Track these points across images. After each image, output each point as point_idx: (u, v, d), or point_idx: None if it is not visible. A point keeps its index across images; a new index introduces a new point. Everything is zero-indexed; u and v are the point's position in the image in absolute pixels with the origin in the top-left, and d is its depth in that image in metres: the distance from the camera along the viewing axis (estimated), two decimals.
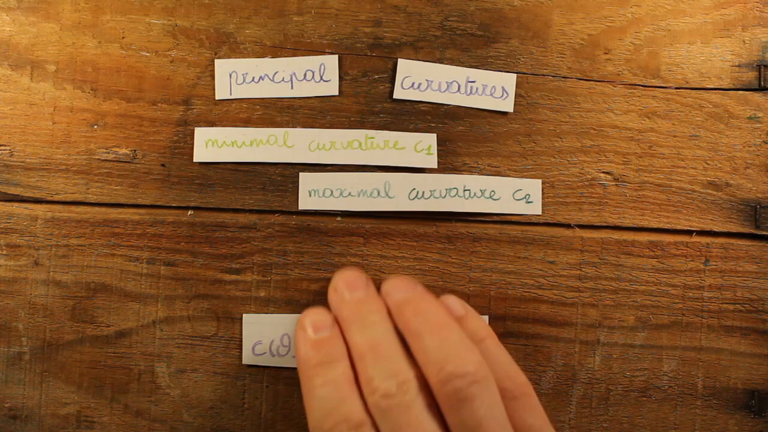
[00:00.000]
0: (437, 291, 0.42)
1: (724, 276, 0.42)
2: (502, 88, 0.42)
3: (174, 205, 0.43)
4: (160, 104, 0.43)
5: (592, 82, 0.43)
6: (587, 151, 0.42)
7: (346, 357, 0.34)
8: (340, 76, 0.43)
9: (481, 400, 0.29)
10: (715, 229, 0.42)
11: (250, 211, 0.43)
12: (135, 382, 0.43)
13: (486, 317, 0.42)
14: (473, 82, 0.43)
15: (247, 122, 0.43)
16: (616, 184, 0.42)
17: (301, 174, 0.43)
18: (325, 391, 0.32)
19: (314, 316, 0.36)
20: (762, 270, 0.42)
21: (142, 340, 0.43)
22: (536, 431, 0.32)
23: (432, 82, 0.43)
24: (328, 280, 0.43)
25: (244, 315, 0.42)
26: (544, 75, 0.43)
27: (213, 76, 0.43)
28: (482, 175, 0.42)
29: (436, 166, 0.43)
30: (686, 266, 0.42)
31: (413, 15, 0.43)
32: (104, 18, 0.44)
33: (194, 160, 0.43)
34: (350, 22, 0.43)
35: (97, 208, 0.43)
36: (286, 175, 0.43)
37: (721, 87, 0.42)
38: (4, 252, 0.43)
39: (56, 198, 0.43)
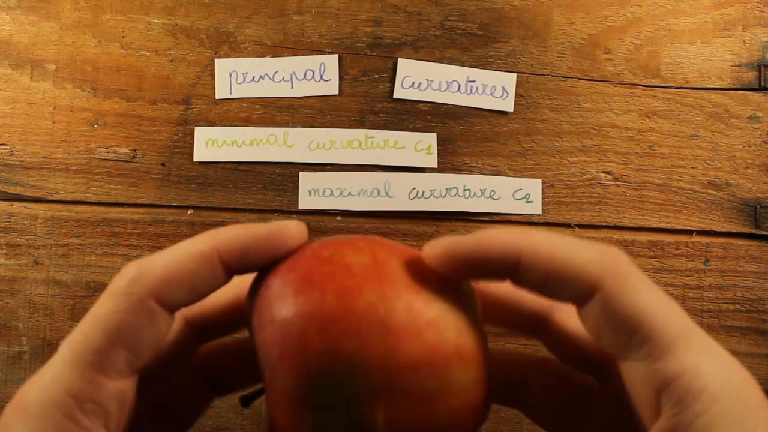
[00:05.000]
0: None
1: (724, 276, 0.42)
2: (502, 87, 0.42)
3: (174, 204, 0.43)
4: (160, 103, 0.43)
5: (592, 82, 0.42)
6: (587, 151, 0.42)
7: None
8: (340, 76, 0.43)
9: None
10: (715, 229, 0.42)
11: (250, 211, 0.43)
12: None
13: None
14: (473, 81, 0.43)
15: (247, 122, 0.43)
16: (616, 184, 0.42)
17: (301, 173, 0.43)
18: None
19: None
20: (762, 270, 0.42)
21: None
22: None
23: (432, 81, 0.43)
24: None
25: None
26: (544, 75, 0.43)
27: (213, 76, 0.43)
28: (482, 174, 0.42)
29: (436, 166, 0.43)
30: (686, 266, 0.42)
31: (413, 14, 0.43)
32: (104, 17, 0.44)
33: (194, 160, 0.43)
34: (350, 22, 0.43)
35: (96, 207, 0.43)
36: (286, 174, 0.43)
37: (721, 87, 0.42)
38: (4, 251, 0.43)
39: (56, 197, 0.43)
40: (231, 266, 0.23)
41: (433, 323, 0.22)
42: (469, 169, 0.43)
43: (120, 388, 0.22)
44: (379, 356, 0.21)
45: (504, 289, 0.27)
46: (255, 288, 0.24)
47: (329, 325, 0.21)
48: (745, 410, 0.20)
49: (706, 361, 0.21)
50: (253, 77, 0.43)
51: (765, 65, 0.42)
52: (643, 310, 0.21)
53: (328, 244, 0.24)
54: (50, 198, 0.43)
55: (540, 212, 0.42)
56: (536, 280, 0.23)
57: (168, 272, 0.22)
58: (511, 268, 0.23)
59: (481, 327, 0.25)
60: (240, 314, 0.28)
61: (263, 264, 0.24)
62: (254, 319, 0.23)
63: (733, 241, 0.42)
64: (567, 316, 0.26)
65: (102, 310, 0.22)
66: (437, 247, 0.24)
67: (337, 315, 0.21)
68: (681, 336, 0.21)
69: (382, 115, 0.43)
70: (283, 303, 0.22)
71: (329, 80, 0.43)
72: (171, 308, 0.23)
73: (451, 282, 0.24)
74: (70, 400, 0.21)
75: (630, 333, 0.21)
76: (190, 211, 0.43)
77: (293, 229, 0.24)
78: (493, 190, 0.42)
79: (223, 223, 0.43)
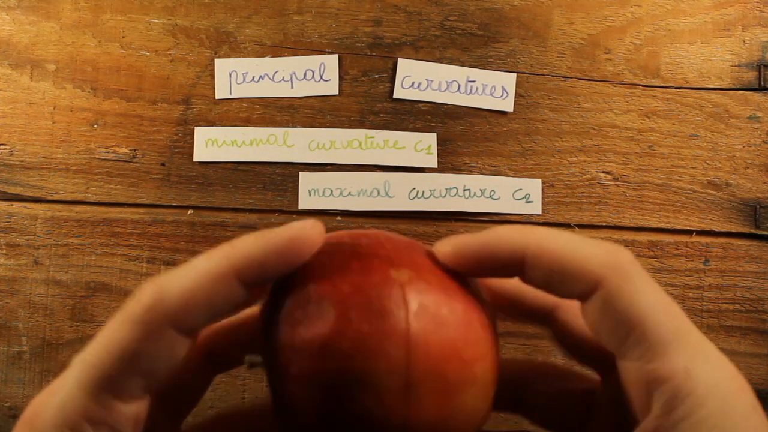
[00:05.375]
0: None
1: (724, 276, 0.42)
2: (502, 87, 0.42)
3: (174, 204, 0.43)
4: (160, 103, 0.43)
5: (592, 82, 0.42)
6: (587, 151, 0.42)
7: None
8: (340, 76, 0.43)
9: None
10: (715, 229, 0.42)
11: (250, 211, 0.43)
12: None
13: None
14: (473, 81, 0.43)
15: (247, 122, 0.43)
16: (616, 184, 0.42)
17: (301, 173, 0.43)
18: None
19: None
20: (762, 270, 0.42)
21: None
22: None
23: (432, 81, 0.43)
24: None
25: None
26: (544, 75, 0.43)
27: (213, 76, 0.43)
28: (482, 174, 0.42)
29: (436, 166, 0.43)
30: (686, 266, 0.42)
31: (413, 14, 0.43)
32: (104, 17, 0.44)
33: (194, 160, 0.43)
34: (350, 22, 0.43)
35: (96, 208, 0.43)
36: (286, 174, 0.43)
37: (721, 87, 0.42)
38: (4, 251, 0.43)
39: (56, 197, 0.43)
40: (250, 282, 0.22)
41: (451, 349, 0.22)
42: (469, 169, 0.43)
43: (134, 409, 0.22)
44: (398, 415, 0.21)
45: (512, 283, 0.27)
46: (268, 305, 0.24)
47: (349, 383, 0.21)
48: (732, 417, 0.20)
49: (698, 366, 0.21)
50: (253, 77, 0.43)
51: (765, 65, 0.42)
52: (641, 310, 0.21)
53: (345, 255, 0.23)
54: (50, 198, 0.43)
55: (540, 212, 0.42)
56: (541, 276, 0.23)
57: (185, 297, 0.22)
58: (517, 264, 0.23)
59: (495, 329, 0.25)
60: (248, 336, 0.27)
61: (284, 274, 0.23)
62: (271, 344, 0.23)
63: (733, 241, 0.42)
64: (573, 310, 0.26)
65: (118, 335, 0.22)
66: (448, 245, 0.24)
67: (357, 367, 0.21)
68: (676, 338, 0.21)
69: (382, 115, 0.43)
70: (300, 352, 0.21)
71: (329, 80, 0.43)
72: (189, 333, 0.22)
73: (463, 280, 0.24)
74: (84, 423, 0.21)
75: (626, 332, 0.22)
76: (190, 211, 0.43)
77: (311, 234, 0.23)
78: (493, 190, 0.42)
79: (223, 223, 0.43)
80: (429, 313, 0.21)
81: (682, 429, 0.20)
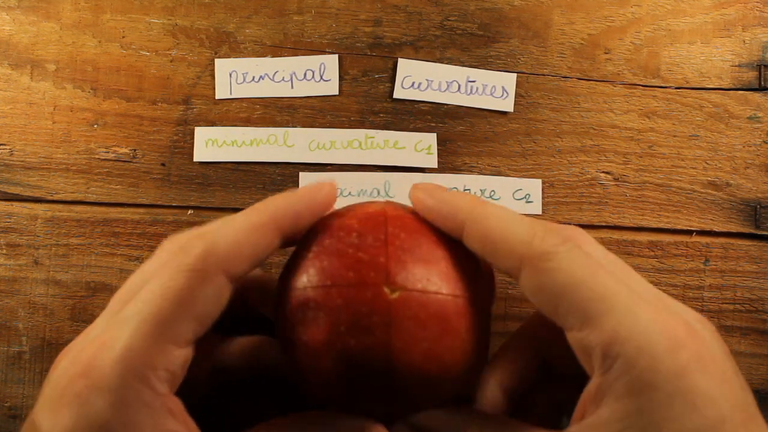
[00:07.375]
0: None
1: (724, 276, 0.42)
2: (502, 87, 0.42)
3: (174, 204, 0.43)
4: (160, 104, 0.43)
5: (592, 82, 0.42)
6: (587, 151, 0.42)
7: None
8: (340, 76, 0.43)
9: None
10: (715, 229, 0.42)
11: None
12: None
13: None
14: (473, 81, 0.43)
15: (247, 122, 0.43)
16: (616, 184, 0.42)
17: (301, 174, 0.43)
18: None
19: None
20: (762, 270, 0.42)
21: None
22: None
23: (432, 81, 0.43)
24: None
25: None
26: (544, 75, 0.43)
27: (213, 76, 0.43)
28: (482, 174, 0.42)
29: (436, 166, 0.43)
30: (686, 266, 0.42)
31: (413, 14, 0.43)
32: (104, 17, 0.44)
33: (194, 160, 0.43)
34: (350, 22, 0.43)
35: (96, 208, 0.43)
36: (286, 174, 0.43)
37: (721, 87, 0.42)
38: (4, 251, 0.43)
39: (56, 197, 0.43)
40: (286, 233, 0.26)
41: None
42: (469, 169, 0.43)
43: (185, 354, 0.23)
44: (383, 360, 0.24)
45: None
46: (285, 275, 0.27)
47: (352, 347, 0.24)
48: (662, 375, 0.21)
49: (626, 328, 0.22)
50: (253, 77, 0.43)
51: (765, 65, 0.42)
52: (563, 285, 0.23)
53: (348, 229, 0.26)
54: (50, 198, 0.43)
55: (540, 212, 0.42)
56: (475, 247, 0.26)
57: (235, 245, 0.24)
58: (459, 229, 0.26)
59: (486, 322, 0.27)
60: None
61: (309, 226, 0.27)
62: (278, 323, 0.26)
63: (733, 241, 0.42)
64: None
65: (174, 284, 0.23)
66: (421, 192, 0.27)
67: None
68: (603, 304, 0.22)
69: (382, 115, 0.43)
70: (309, 328, 0.24)
71: (329, 80, 0.43)
72: (236, 280, 0.24)
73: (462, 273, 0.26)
74: (146, 369, 0.22)
75: (554, 306, 0.23)
76: (190, 211, 0.43)
77: (328, 189, 0.27)
78: (493, 190, 0.42)
79: None
80: (410, 330, 0.24)
81: (617, 389, 0.21)
